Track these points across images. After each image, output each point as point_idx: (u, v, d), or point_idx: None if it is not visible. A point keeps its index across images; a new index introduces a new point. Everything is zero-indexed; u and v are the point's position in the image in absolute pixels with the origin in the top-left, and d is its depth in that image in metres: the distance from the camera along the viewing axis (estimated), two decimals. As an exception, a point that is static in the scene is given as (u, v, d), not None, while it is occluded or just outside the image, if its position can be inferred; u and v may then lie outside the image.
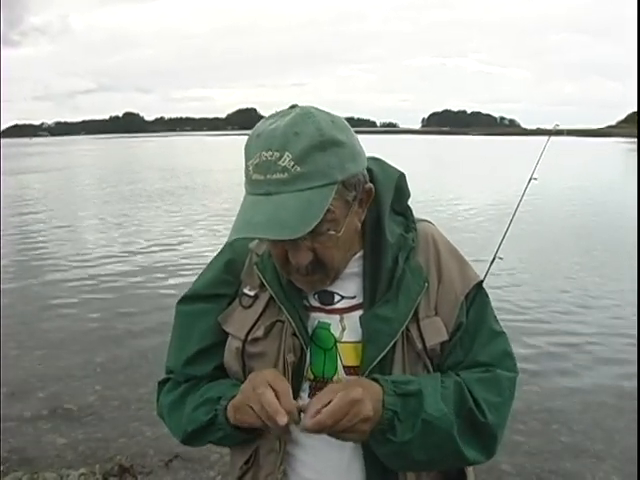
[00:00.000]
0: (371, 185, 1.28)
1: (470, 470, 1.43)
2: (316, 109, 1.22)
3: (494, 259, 1.55)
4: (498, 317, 1.44)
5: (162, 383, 1.51)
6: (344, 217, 1.22)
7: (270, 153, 1.15)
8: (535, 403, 4.89)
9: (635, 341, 6.20)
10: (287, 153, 1.13)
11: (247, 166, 1.19)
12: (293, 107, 1.23)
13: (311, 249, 1.22)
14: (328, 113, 1.23)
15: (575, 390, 5.28)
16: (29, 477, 3.91)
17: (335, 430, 1.15)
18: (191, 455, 4.14)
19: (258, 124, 1.23)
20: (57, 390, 5.36)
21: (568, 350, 6.24)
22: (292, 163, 1.13)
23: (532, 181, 1.70)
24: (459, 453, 1.27)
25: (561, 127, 2.00)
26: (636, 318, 6.76)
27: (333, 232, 1.21)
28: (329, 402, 1.15)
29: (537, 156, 1.79)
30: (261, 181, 1.16)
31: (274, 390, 1.19)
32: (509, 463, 4.03)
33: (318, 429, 1.14)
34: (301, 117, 1.18)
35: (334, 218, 1.20)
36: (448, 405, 1.25)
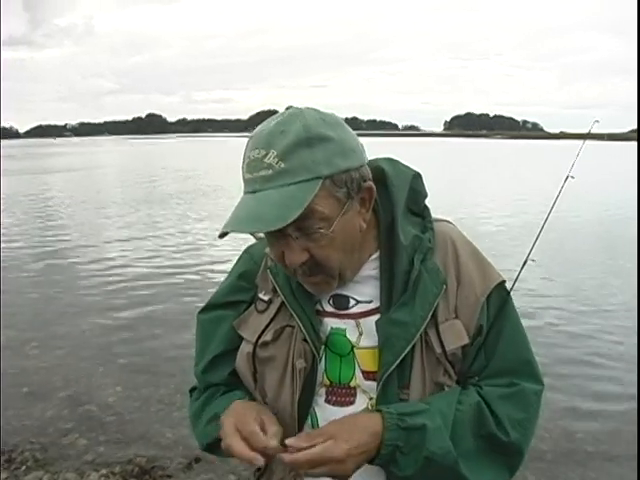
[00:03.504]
0: (371, 183, 1.25)
1: None
2: (308, 108, 1.22)
3: (526, 261, 1.49)
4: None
5: (192, 391, 1.54)
6: (336, 215, 1.19)
7: (257, 152, 1.17)
8: (560, 411, 4.82)
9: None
10: (272, 150, 1.15)
11: (242, 167, 1.21)
12: (288, 108, 1.23)
13: (305, 249, 1.20)
14: (320, 111, 1.22)
15: (601, 398, 5.20)
16: (50, 477, 3.93)
17: (313, 474, 1.16)
18: (211, 458, 4.13)
19: (257, 128, 1.24)
20: (78, 391, 5.39)
21: (594, 357, 6.16)
22: (276, 160, 1.14)
23: (569, 180, 1.62)
24: None
25: (586, 131, 1.93)
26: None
27: (324, 231, 1.18)
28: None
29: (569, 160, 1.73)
30: (250, 179, 1.18)
31: (242, 435, 1.20)
32: (533, 471, 3.96)
33: (295, 467, 1.17)
34: (290, 116, 1.19)
35: (324, 216, 1.17)
36: (463, 429, 1.23)
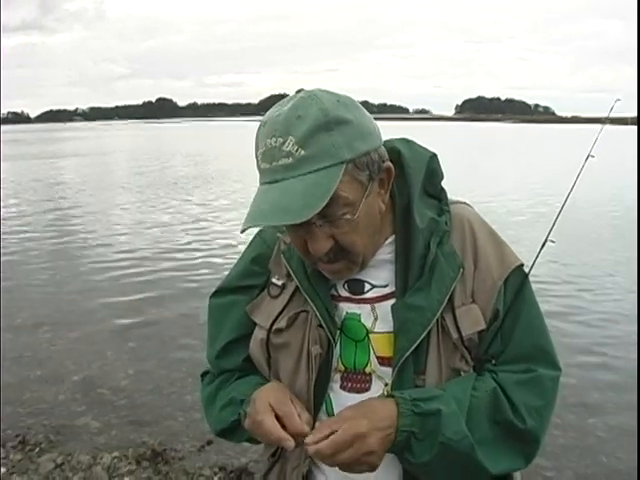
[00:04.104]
0: (389, 164, 1.22)
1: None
2: (321, 90, 1.17)
3: (545, 242, 1.43)
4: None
5: (203, 375, 1.52)
6: (360, 199, 1.16)
7: (274, 139, 1.11)
8: (571, 397, 4.79)
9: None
10: (290, 137, 1.10)
11: (256, 156, 1.16)
12: (299, 92, 1.18)
13: (329, 236, 1.17)
14: (334, 93, 1.18)
15: (612, 384, 5.18)
16: (63, 459, 3.96)
17: (339, 462, 1.13)
18: (224, 441, 4.13)
19: (267, 113, 1.18)
20: (90, 374, 5.43)
21: (605, 343, 6.12)
22: (296, 147, 1.09)
23: (590, 159, 1.56)
24: (485, 471, 1.21)
25: (599, 115, 1.87)
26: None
27: (349, 216, 1.15)
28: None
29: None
30: (268, 169, 1.13)
31: (277, 413, 1.18)
32: (545, 457, 3.95)
33: (319, 458, 1.14)
34: (304, 100, 1.14)
35: (348, 202, 1.14)
36: (478, 415, 1.21)
